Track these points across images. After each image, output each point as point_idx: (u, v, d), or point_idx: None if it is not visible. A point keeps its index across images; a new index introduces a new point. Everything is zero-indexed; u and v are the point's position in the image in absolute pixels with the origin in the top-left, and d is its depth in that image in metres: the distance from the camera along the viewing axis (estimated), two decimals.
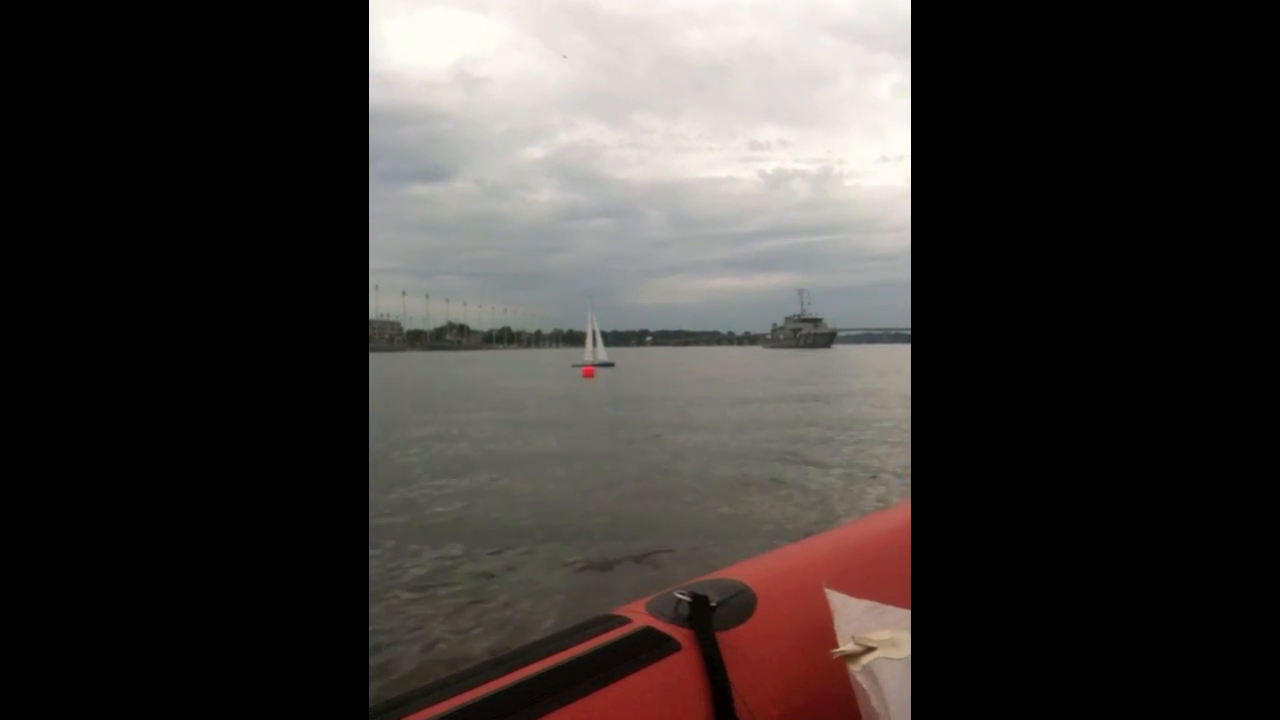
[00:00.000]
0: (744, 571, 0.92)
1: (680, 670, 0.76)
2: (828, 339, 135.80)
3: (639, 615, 0.82)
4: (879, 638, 0.76)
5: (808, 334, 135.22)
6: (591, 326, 37.95)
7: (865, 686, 0.73)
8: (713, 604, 0.81)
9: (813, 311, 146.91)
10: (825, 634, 0.79)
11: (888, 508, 1.26)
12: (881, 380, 20.71)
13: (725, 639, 0.79)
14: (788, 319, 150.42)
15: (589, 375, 25.99)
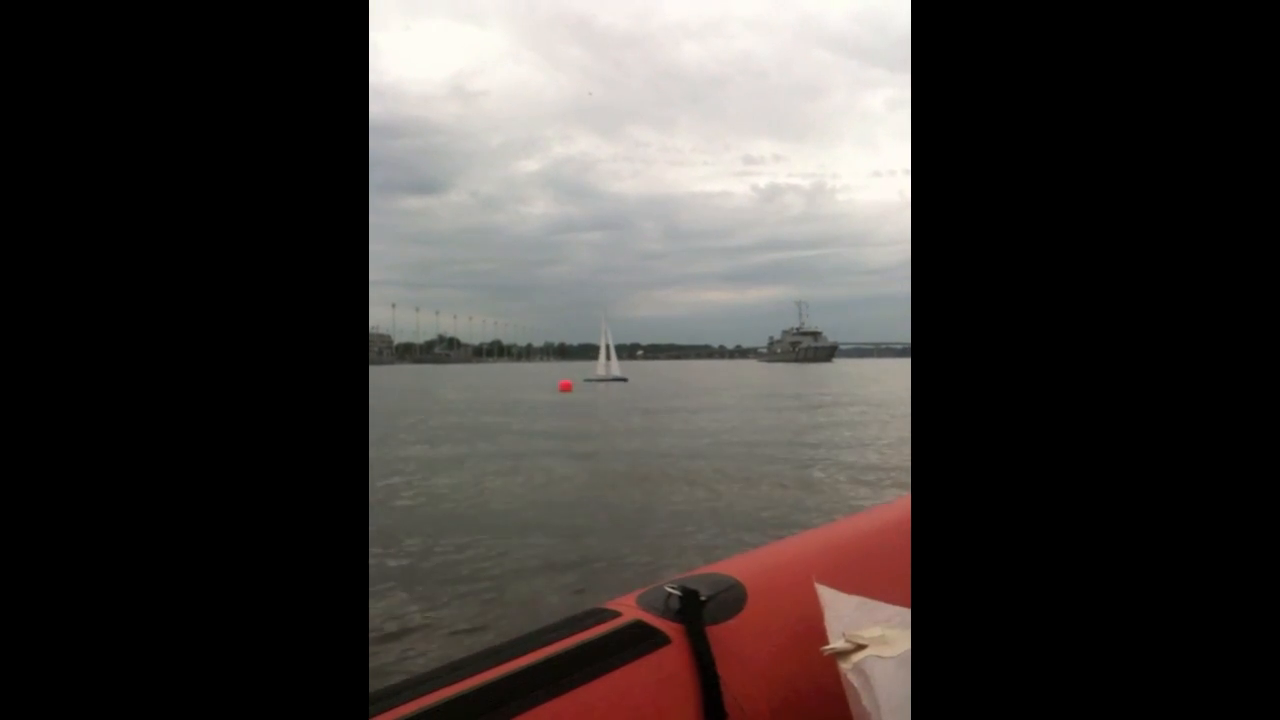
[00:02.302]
0: (735, 566, 0.94)
1: (670, 664, 0.77)
2: (828, 353, 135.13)
3: (629, 609, 0.84)
4: (869, 635, 0.77)
5: (807, 347, 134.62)
6: (605, 340, 36.30)
7: (856, 684, 0.74)
8: (703, 598, 0.82)
9: (811, 324, 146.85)
10: (815, 629, 0.81)
11: (880, 504, 1.28)
12: None
13: (715, 633, 0.81)
14: (785, 332, 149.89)
15: (566, 390, 25.72)
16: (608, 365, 35.86)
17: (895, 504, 1.20)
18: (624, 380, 33.73)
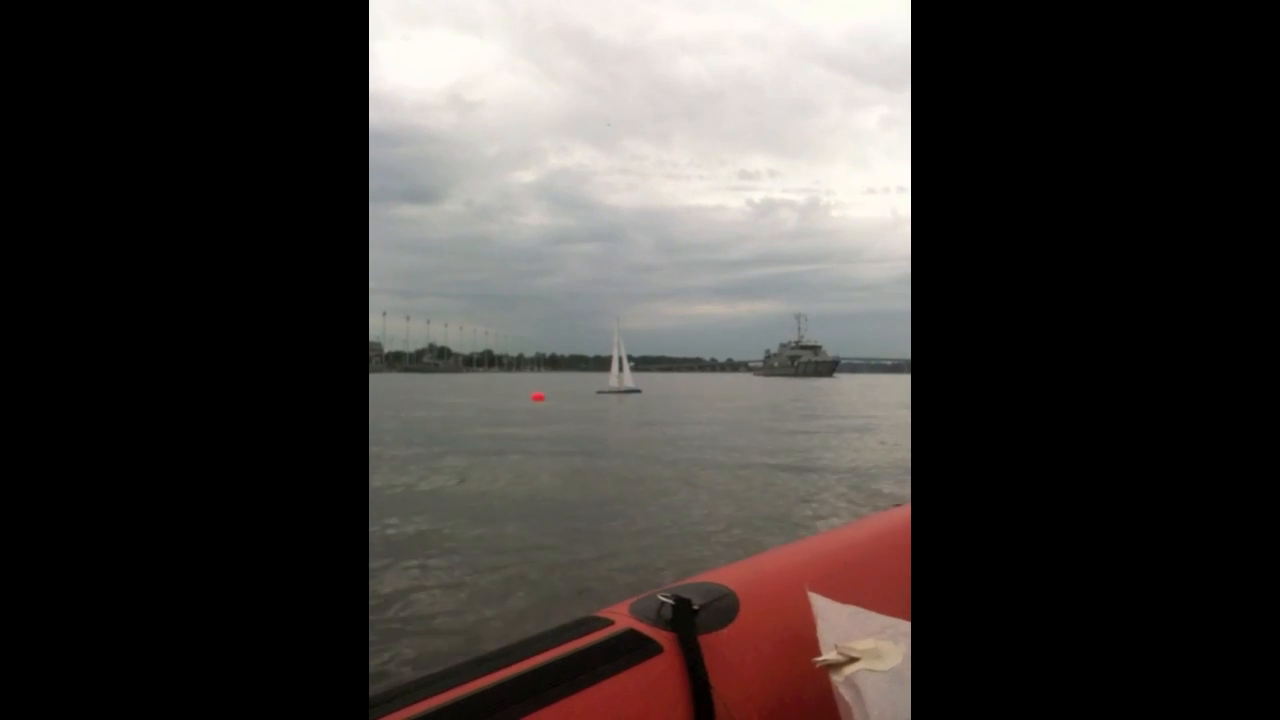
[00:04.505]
0: (727, 575, 0.95)
1: (662, 673, 0.79)
2: (830, 367, 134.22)
3: (622, 617, 0.85)
4: (862, 647, 0.79)
5: (807, 361, 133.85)
6: (618, 351, 35.26)
7: (847, 698, 0.75)
8: (696, 607, 0.84)
9: (810, 338, 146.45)
10: (808, 639, 0.83)
11: (873, 513, 1.30)
12: None
13: (707, 642, 0.83)
14: (783, 345, 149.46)
15: (538, 400, 25.32)
16: (620, 377, 34.69)
17: (889, 514, 1.22)
18: (638, 392, 32.75)
